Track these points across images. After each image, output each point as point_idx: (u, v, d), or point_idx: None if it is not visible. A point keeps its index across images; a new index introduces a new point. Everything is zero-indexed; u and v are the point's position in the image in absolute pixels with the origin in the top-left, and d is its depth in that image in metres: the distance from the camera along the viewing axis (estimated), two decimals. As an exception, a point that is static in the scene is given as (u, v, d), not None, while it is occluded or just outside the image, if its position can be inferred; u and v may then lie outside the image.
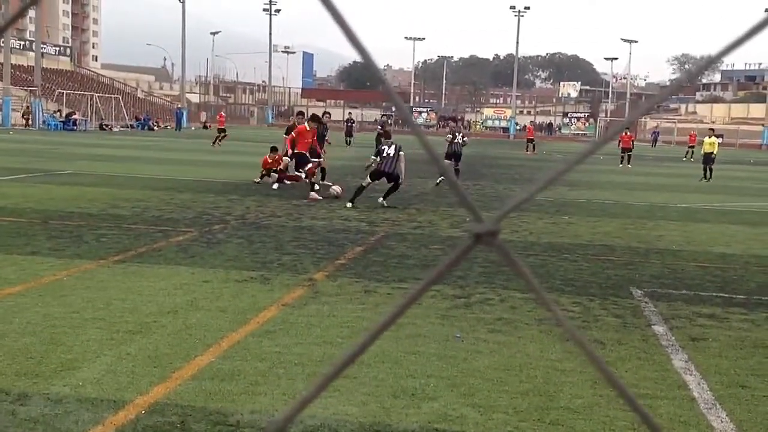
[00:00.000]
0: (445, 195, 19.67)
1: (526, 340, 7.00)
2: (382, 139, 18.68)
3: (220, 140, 39.55)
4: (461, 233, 13.38)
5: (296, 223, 13.74)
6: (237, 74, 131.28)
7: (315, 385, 0.70)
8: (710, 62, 0.83)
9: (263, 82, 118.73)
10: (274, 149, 21.01)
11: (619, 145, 37.55)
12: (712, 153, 29.49)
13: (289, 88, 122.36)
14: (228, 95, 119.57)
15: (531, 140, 49.00)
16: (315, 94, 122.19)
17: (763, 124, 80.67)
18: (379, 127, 21.31)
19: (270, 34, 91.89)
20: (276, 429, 0.73)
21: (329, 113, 24.68)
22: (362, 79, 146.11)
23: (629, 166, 35.34)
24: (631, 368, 6.29)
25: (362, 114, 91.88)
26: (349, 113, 58.91)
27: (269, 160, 20.70)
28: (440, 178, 22.93)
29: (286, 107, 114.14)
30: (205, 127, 71.98)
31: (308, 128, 18.58)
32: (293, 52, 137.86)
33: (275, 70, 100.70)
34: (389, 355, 6.34)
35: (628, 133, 38.03)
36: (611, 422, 5.12)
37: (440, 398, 5.45)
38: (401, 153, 17.10)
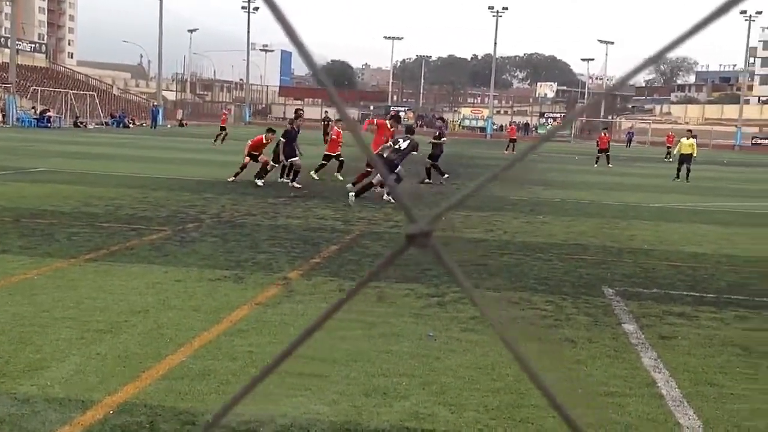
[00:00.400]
0: (421, 194, 19.70)
1: (498, 339, 7.02)
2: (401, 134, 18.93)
3: (222, 139, 39.69)
4: (437, 232, 13.39)
5: (272, 221, 13.70)
6: (214, 72, 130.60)
7: (244, 384, 0.71)
8: (651, 61, 0.84)
9: (241, 80, 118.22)
10: (270, 130, 20.97)
11: (598, 145, 37.91)
12: (690, 154, 29.77)
13: (267, 86, 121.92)
14: (205, 93, 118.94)
15: (513, 140, 49.24)
16: (293, 92, 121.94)
17: (736, 125, 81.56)
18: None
19: (248, 32, 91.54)
20: (205, 428, 0.73)
21: (302, 110, 24.69)
22: (340, 78, 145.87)
23: (610, 165, 35.63)
24: (601, 366, 6.34)
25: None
26: (326, 112, 58.84)
27: (264, 141, 20.51)
28: (445, 175, 23.16)
29: (263, 105, 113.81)
30: (181, 124, 71.51)
31: (389, 126, 19.20)
32: (271, 50, 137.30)
33: (253, 68, 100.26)
34: (362, 353, 6.35)
35: (606, 134, 38.56)
36: (579, 419, 5.15)
37: (412, 397, 5.47)
38: (414, 153, 17.51)
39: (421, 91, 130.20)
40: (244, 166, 20.33)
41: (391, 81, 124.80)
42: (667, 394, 5.75)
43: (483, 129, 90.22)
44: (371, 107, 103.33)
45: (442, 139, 24.13)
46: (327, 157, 22.29)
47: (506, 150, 47.86)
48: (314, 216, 14.68)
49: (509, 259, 11.01)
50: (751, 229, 15.66)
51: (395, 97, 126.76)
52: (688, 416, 5.33)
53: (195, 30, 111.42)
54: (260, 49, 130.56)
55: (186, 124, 72.64)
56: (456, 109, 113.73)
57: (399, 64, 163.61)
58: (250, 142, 20.58)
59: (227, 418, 4.91)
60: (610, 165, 35.94)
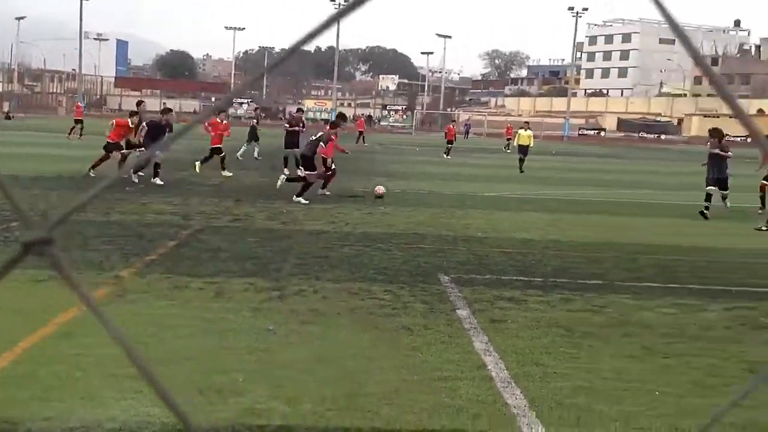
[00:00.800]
0: (265, 187, 19.53)
1: (338, 330, 7.09)
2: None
3: (76, 132, 37.62)
4: (278, 225, 13.36)
5: (104, 218, 13.14)
6: (44, 62, 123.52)
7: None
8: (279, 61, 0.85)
9: (73, 70, 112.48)
10: (134, 113, 20.13)
11: (446, 137, 39.92)
12: (528, 145, 31.18)
13: (102, 76, 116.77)
14: (34, 84, 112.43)
15: (361, 132, 50.37)
16: (129, 83, 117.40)
17: (564, 117, 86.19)
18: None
19: (80, 20, 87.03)
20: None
21: (144, 102, 23.91)
22: (180, 69, 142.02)
23: (448, 157, 36.99)
24: (435, 352, 6.52)
25: (180, 104, 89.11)
26: (164, 103, 57.05)
27: (129, 125, 19.60)
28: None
29: (98, 96, 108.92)
30: (8, 117, 67.07)
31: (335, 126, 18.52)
32: (106, 40, 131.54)
33: (86, 58, 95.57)
34: (198, 351, 6.23)
35: (454, 127, 41.02)
36: (414, 405, 5.29)
37: (248, 393, 5.41)
38: (318, 139, 17.45)
39: (265, 82, 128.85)
40: (105, 158, 19.48)
41: (233, 72, 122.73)
42: (497, 375, 6.00)
43: (327, 121, 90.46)
44: (213, 98, 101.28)
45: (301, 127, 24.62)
46: (217, 150, 21.82)
47: (357, 142, 48.30)
48: (151, 211, 14.22)
49: (350, 251, 11.12)
50: (575, 216, 16.61)
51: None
52: (515, 396, 5.58)
53: (23, 18, 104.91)
54: (94, 38, 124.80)
55: (13, 116, 68.18)
56: (300, 101, 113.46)
57: (241, 55, 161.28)
58: (114, 124, 19.67)
59: (51, 422, 4.67)
60: (448, 156, 37.26)
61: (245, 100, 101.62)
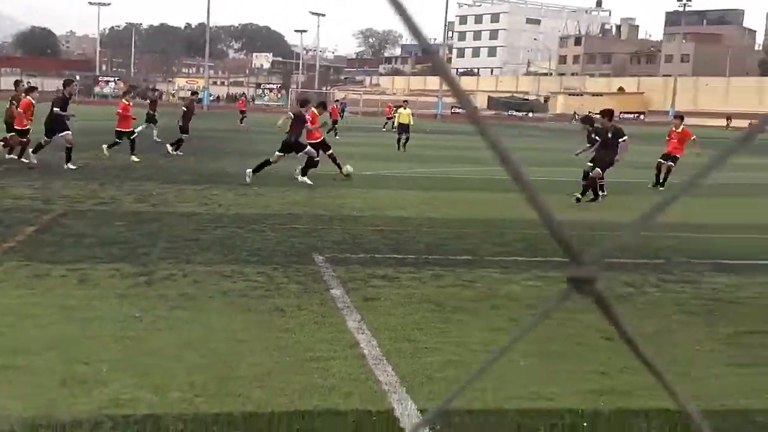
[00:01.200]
0: (134, 169, 18.89)
1: (209, 314, 6.95)
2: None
3: None
4: (147, 208, 12.96)
5: (-43, 204, 12.37)
6: None
7: None
8: None
9: None
10: (31, 88, 19.01)
11: (331, 116, 40.01)
12: (408, 124, 31.57)
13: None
14: None
15: (243, 112, 49.79)
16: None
17: (437, 96, 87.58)
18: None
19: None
20: None
21: (22, 82, 22.86)
22: (41, 46, 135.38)
23: (336, 137, 37.10)
24: (308, 332, 6.50)
25: (42, 83, 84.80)
26: (28, 83, 54.24)
27: (32, 101, 18.46)
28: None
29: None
30: None
31: (318, 114, 18.47)
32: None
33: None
34: (60, 340, 5.97)
35: (337, 106, 41.33)
36: (286, 386, 5.25)
37: (113, 383, 5.22)
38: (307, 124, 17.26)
39: (133, 60, 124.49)
40: (15, 143, 18.46)
41: (98, 49, 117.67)
42: (369, 353, 6.04)
43: (200, 100, 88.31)
44: (77, 76, 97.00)
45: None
46: (120, 134, 20.85)
47: (240, 123, 47.41)
48: (8, 196, 13.49)
49: (222, 232, 10.91)
50: (449, 193, 16.92)
51: (104, 67, 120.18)
52: (387, 373, 5.64)
53: None
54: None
55: None
56: (170, 79, 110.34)
57: (107, 31, 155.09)
58: (20, 110, 18.41)
59: None
60: (336, 136, 37.42)
61: (112, 78, 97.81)
